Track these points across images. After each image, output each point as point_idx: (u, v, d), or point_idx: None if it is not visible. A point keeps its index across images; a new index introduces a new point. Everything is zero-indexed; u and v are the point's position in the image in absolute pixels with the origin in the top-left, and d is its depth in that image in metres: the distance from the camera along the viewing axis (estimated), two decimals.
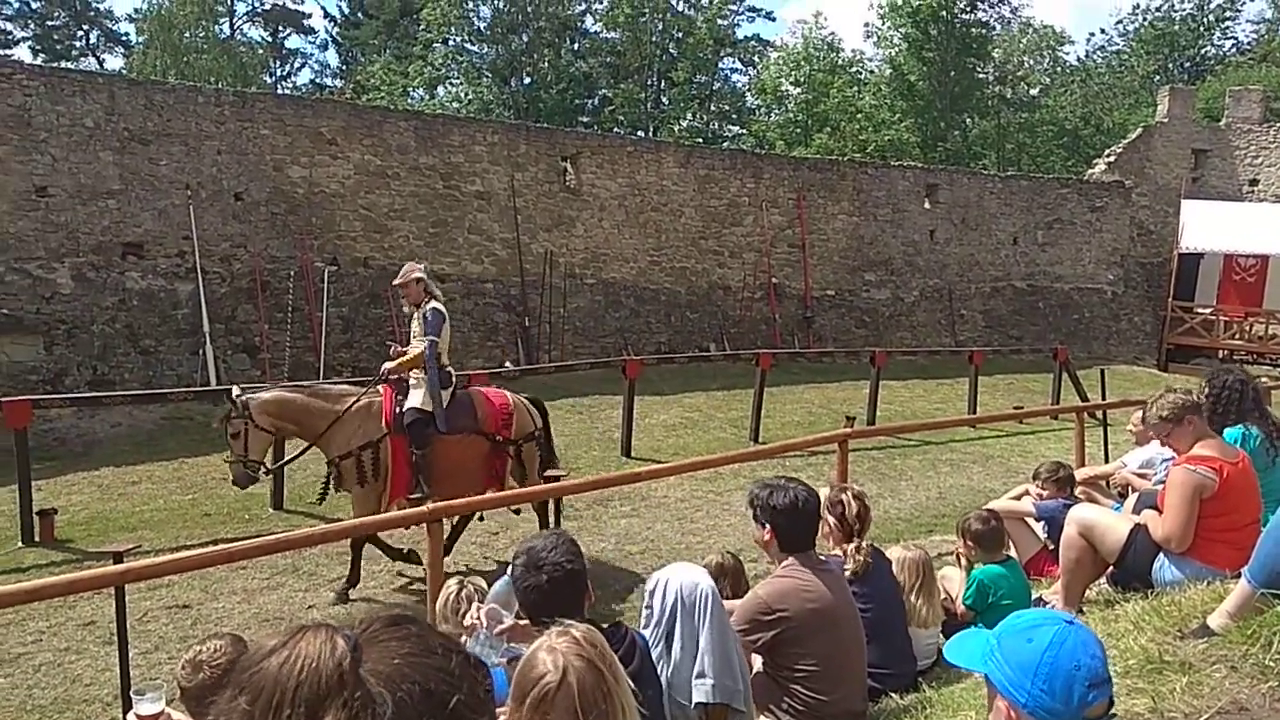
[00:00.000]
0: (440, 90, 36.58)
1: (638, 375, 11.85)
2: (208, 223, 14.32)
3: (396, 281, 7.09)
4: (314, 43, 52.17)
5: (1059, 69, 41.72)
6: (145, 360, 13.52)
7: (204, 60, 34.58)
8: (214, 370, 13.66)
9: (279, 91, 35.07)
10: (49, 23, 39.72)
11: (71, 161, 13.22)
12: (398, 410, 6.71)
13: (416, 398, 6.73)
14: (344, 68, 44.13)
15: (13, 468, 8.16)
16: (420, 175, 16.63)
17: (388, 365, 6.92)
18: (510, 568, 2.85)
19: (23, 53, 37.53)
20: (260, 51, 42.47)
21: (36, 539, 7.91)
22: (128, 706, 4.39)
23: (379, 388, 6.92)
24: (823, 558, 3.87)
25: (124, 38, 40.84)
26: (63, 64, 34.38)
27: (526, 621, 2.86)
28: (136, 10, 41.54)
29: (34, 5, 39.15)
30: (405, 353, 6.94)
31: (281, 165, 15.18)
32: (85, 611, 6.15)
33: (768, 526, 3.67)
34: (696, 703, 3.24)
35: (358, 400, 6.73)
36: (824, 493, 4.09)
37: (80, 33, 40.87)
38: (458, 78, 36.18)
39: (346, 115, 16.19)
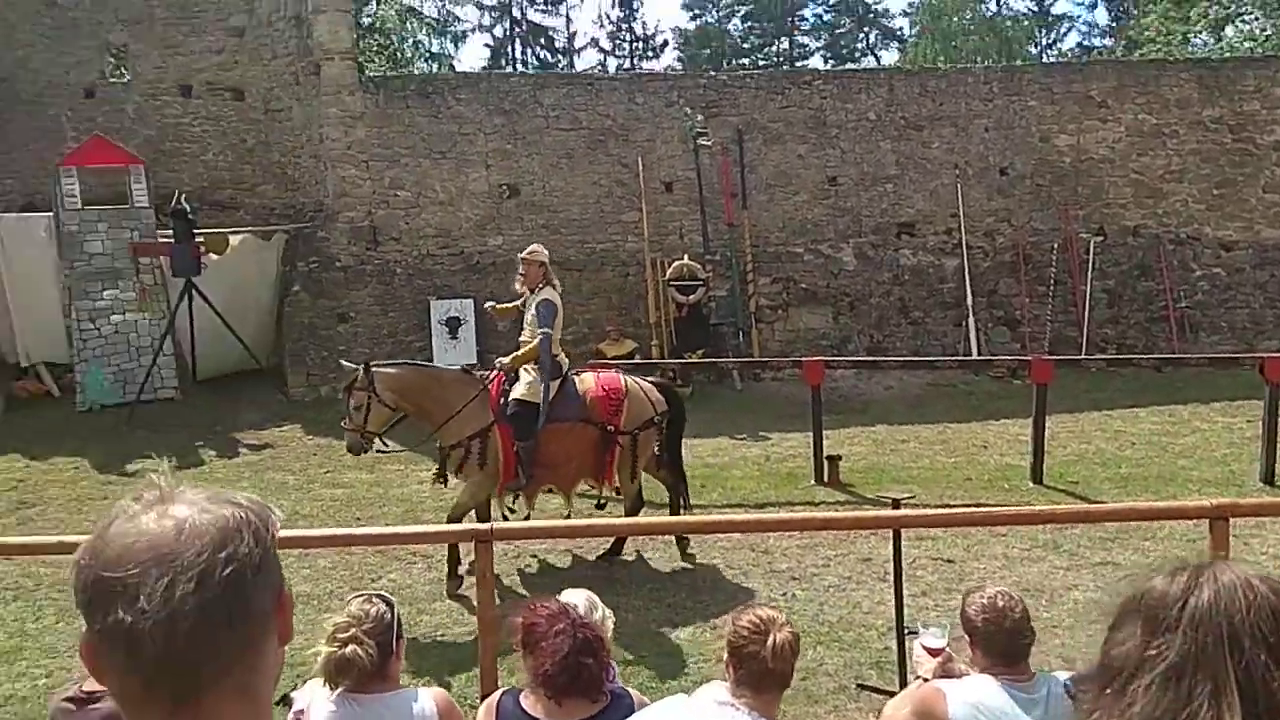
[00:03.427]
0: (1229, 30, 31.72)
1: None
2: (973, 199, 14.84)
3: (522, 254, 7.10)
4: (1081, 3, 49.98)
5: None
6: (914, 330, 14.66)
7: (971, 41, 35.65)
8: (975, 341, 14.19)
9: (1044, 60, 34.43)
10: (837, 30, 45.08)
11: (856, 152, 14.87)
12: (502, 401, 6.81)
13: (521, 388, 6.78)
14: (1114, 25, 41.26)
15: (808, 418, 9.60)
16: (1203, 130, 14.90)
17: (502, 361, 7.02)
18: None
19: (815, 61, 43.32)
20: (1025, 23, 42.12)
21: (825, 480, 9.20)
22: (900, 638, 4.88)
23: (489, 375, 7.06)
24: None
25: (899, 33, 44.30)
26: (848, 66, 38.79)
27: None
28: (910, 5, 44.71)
29: (825, 18, 44.84)
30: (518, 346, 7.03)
31: (1048, 135, 14.95)
32: (863, 548, 6.96)
33: None
34: None
35: (475, 396, 6.83)
36: None
37: (861, 35, 45.54)
38: (1251, 12, 30.90)
39: (1118, 74, 15.29)
